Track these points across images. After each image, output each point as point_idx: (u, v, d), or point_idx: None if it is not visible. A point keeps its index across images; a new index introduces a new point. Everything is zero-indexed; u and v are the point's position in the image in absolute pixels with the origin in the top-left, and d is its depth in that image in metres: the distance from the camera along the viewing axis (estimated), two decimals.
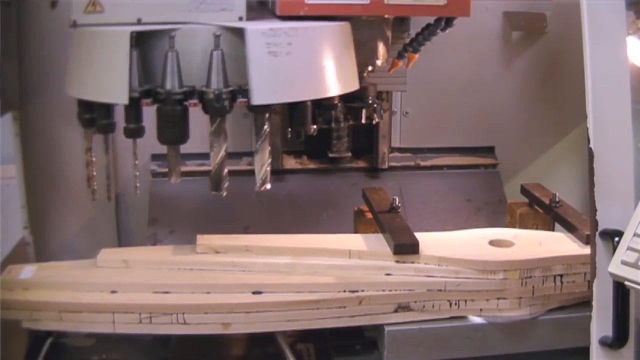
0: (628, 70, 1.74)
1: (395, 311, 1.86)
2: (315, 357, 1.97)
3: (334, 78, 1.79)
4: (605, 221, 1.70)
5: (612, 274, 1.58)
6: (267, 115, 1.77)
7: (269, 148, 1.81)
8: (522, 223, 2.36)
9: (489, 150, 2.87)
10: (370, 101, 2.18)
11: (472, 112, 2.84)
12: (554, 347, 1.98)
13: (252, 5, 1.87)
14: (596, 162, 1.70)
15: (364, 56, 2.05)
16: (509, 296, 1.90)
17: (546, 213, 2.30)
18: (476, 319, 1.91)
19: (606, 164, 1.71)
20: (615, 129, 1.72)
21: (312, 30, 1.77)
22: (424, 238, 1.98)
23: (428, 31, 2.13)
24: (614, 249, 1.61)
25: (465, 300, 1.89)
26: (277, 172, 2.65)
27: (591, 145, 1.70)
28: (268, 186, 1.80)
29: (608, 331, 1.72)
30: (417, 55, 2.23)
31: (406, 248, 1.91)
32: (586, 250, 1.94)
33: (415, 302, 1.87)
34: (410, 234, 1.97)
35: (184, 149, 2.20)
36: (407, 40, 2.26)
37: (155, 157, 2.61)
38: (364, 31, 2.04)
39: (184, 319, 1.78)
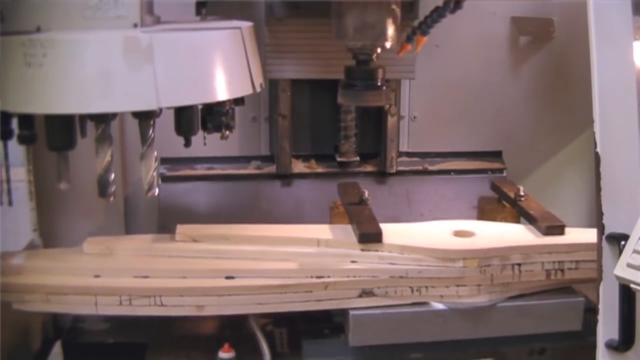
0: (635, 75, 1.74)
1: (360, 296, 1.95)
2: (287, 341, 2.05)
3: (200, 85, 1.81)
4: (611, 225, 1.71)
5: (618, 277, 1.59)
6: (152, 121, 1.80)
7: (155, 153, 1.85)
8: (491, 217, 2.45)
9: (496, 155, 2.87)
10: (379, 84, 2.15)
11: (479, 116, 2.84)
12: (513, 333, 2.05)
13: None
14: (603, 167, 1.71)
15: (372, 38, 2.07)
16: (468, 283, 1.97)
17: (512, 207, 2.37)
18: (437, 305, 1.99)
19: (613, 168, 1.71)
20: (621, 134, 1.73)
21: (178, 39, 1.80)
22: (390, 228, 2.08)
23: (437, 13, 2.12)
24: (620, 252, 1.62)
25: (427, 287, 1.97)
26: (286, 176, 2.67)
27: (598, 149, 1.71)
28: (156, 192, 1.85)
29: (614, 334, 1.73)
30: (426, 38, 2.21)
31: (370, 237, 2.00)
32: (544, 240, 2.04)
33: (379, 288, 1.95)
34: (375, 224, 2.06)
35: (192, 152, 2.22)
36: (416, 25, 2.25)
37: (164, 161, 2.63)
38: (373, 13, 2.04)
39: (161, 301, 1.88)
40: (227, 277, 1.94)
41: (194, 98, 1.79)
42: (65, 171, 1.86)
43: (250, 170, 2.71)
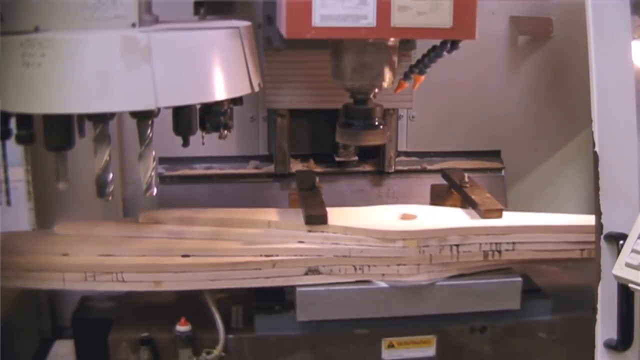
0: (633, 74, 1.74)
1: (306, 274, 2.06)
2: (242, 317, 2.15)
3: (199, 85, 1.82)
4: (610, 224, 1.71)
5: (616, 277, 1.59)
6: (150, 121, 1.80)
7: (154, 153, 1.87)
8: (441, 203, 2.53)
9: (495, 154, 2.87)
10: (377, 123, 2.20)
11: (478, 115, 2.84)
12: (453, 311, 2.13)
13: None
14: (601, 166, 1.71)
15: (370, 78, 2.11)
16: (408, 263, 2.07)
17: (458, 193, 2.46)
18: (379, 283, 2.09)
19: (611, 168, 1.71)
20: (620, 133, 1.73)
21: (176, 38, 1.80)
22: (338, 212, 2.19)
23: (434, 53, 2.15)
24: (619, 251, 1.62)
25: (369, 266, 2.08)
26: (284, 176, 2.67)
27: (596, 149, 1.71)
28: (154, 191, 1.86)
29: (613, 334, 1.73)
30: (423, 77, 2.26)
31: (316, 219, 2.11)
32: (482, 223, 2.14)
33: (324, 266, 2.06)
34: (322, 208, 2.16)
35: (191, 152, 2.22)
36: (413, 61, 2.28)
37: (162, 161, 2.63)
38: (371, 53, 2.08)
39: (122, 277, 2.00)
40: (183, 256, 2.05)
41: (192, 98, 1.80)
42: (64, 171, 1.87)
43: (248, 169, 2.71)
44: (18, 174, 2.51)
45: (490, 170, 2.85)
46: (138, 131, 1.84)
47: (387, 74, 2.12)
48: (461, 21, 1.94)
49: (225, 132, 1.96)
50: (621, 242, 1.64)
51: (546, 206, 2.33)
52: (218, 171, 2.70)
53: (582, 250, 2.14)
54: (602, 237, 1.71)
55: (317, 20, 1.89)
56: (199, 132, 1.90)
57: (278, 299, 2.15)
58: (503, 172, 2.86)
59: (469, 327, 2.17)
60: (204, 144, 1.97)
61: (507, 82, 2.86)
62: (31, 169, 2.56)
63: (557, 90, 2.87)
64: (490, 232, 2.12)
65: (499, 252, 2.12)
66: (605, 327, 1.74)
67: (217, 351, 2.05)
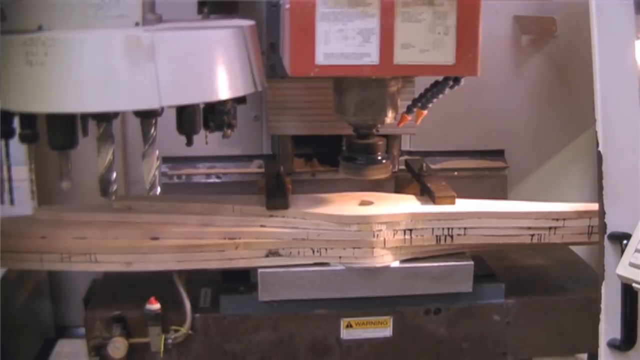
0: (637, 73, 1.74)
1: (267, 256, 2.15)
2: (210, 298, 2.25)
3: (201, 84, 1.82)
4: (613, 224, 1.71)
5: (620, 276, 1.59)
6: (153, 120, 1.80)
7: (157, 152, 1.88)
8: (403, 191, 2.62)
9: (498, 154, 2.87)
10: (380, 157, 2.23)
11: (481, 115, 2.84)
12: (405, 293, 2.19)
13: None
14: (605, 165, 1.71)
15: (373, 114, 2.15)
16: (362, 246, 2.14)
17: (417, 181, 2.52)
18: (336, 265, 2.16)
19: (615, 167, 1.71)
20: (624, 133, 1.73)
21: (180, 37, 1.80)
22: (300, 198, 2.29)
23: (436, 89, 2.16)
24: (622, 251, 1.62)
25: (326, 249, 2.16)
26: (288, 176, 2.65)
27: (600, 148, 1.71)
28: (158, 191, 1.88)
29: (616, 333, 1.73)
30: (425, 112, 2.26)
31: (277, 203, 2.19)
32: (434, 208, 2.21)
33: (283, 249, 2.15)
34: (284, 195, 2.26)
35: (194, 152, 2.22)
36: (416, 95, 2.28)
37: (166, 160, 2.63)
38: (373, 90, 2.11)
39: (96, 258, 2.10)
40: (153, 238, 2.13)
41: (196, 97, 1.79)
42: (67, 170, 1.87)
43: (252, 169, 2.71)
44: (22, 173, 2.51)
45: (493, 170, 2.85)
46: (141, 130, 1.84)
47: (390, 110, 2.16)
48: (464, 58, 1.96)
49: (229, 131, 1.96)
50: (625, 241, 1.64)
51: None
52: (221, 170, 2.71)
53: (532, 235, 2.20)
54: (605, 236, 1.71)
55: (320, 59, 1.92)
56: (202, 132, 1.90)
57: (244, 281, 2.22)
58: (506, 172, 2.86)
59: (424, 309, 2.23)
60: (207, 143, 1.97)
61: (511, 82, 2.86)
62: (35, 168, 2.56)
63: (560, 89, 2.87)
64: (442, 218, 2.19)
65: (451, 236, 2.19)
66: (609, 326, 1.75)
67: (184, 329, 2.13)
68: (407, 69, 1.97)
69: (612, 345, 1.75)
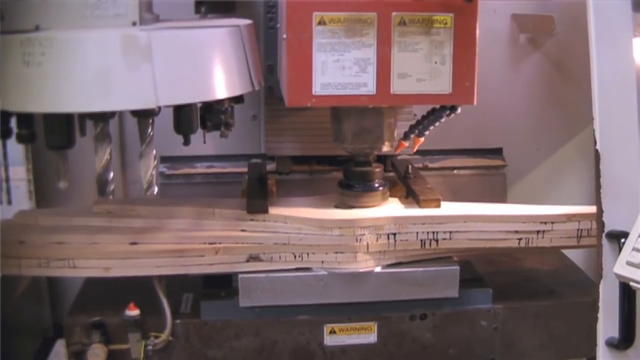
0: (634, 72, 1.74)
1: (247, 261, 2.11)
2: (192, 303, 2.22)
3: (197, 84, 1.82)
4: (611, 222, 1.71)
5: (617, 275, 1.59)
6: (150, 120, 1.80)
7: (155, 152, 1.90)
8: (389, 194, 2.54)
9: (497, 152, 2.87)
10: (376, 185, 2.23)
11: (480, 113, 2.81)
12: (390, 298, 2.16)
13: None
14: (603, 164, 1.71)
15: (370, 142, 2.16)
16: (345, 250, 2.10)
17: (403, 184, 2.49)
18: (318, 270, 2.13)
19: (613, 166, 1.71)
20: (622, 131, 1.73)
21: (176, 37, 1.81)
22: (282, 201, 2.27)
23: (433, 116, 2.16)
24: (620, 250, 1.62)
25: (308, 253, 2.12)
26: (286, 175, 2.67)
27: (598, 146, 1.71)
28: (155, 190, 1.87)
29: (614, 332, 1.73)
30: (422, 139, 2.27)
31: (257, 207, 2.15)
32: (419, 212, 2.18)
33: (264, 253, 2.12)
34: (264, 197, 2.23)
35: (192, 151, 2.22)
36: (413, 120, 2.30)
37: (163, 160, 2.63)
38: (371, 119, 2.12)
39: (74, 263, 2.06)
40: (132, 243, 2.10)
41: (193, 96, 1.80)
42: (65, 170, 1.87)
43: None
44: (19, 173, 2.51)
45: (492, 168, 2.85)
46: (139, 130, 1.85)
47: (387, 137, 2.17)
48: (460, 87, 1.97)
49: (227, 130, 1.96)
50: (622, 240, 1.63)
51: (548, 204, 2.32)
52: (219, 170, 2.71)
53: (519, 239, 2.16)
54: (603, 235, 1.71)
55: (317, 89, 1.93)
56: (200, 131, 1.90)
57: (225, 286, 2.20)
58: (505, 170, 2.85)
59: (409, 315, 2.20)
60: (205, 142, 1.97)
61: (509, 80, 2.86)
62: (32, 168, 2.57)
63: (558, 88, 2.87)
64: (427, 222, 2.15)
65: (436, 240, 2.15)
66: (607, 325, 1.74)
67: (164, 336, 2.11)
68: (404, 98, 1.98)
69: (610, 344, 1.75)
